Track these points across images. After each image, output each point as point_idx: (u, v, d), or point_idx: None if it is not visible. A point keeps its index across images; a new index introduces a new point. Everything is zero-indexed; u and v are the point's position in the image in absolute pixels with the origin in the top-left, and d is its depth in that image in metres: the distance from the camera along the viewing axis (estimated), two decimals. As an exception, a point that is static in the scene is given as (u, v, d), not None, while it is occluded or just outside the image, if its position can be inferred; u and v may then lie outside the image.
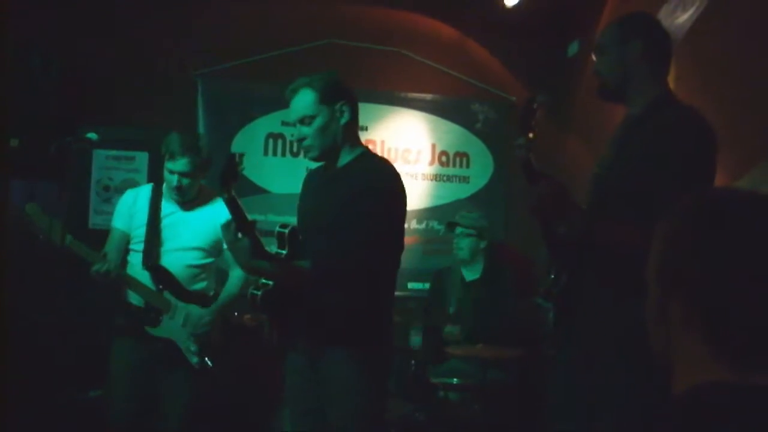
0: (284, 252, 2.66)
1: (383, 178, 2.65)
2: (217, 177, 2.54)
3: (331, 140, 2.70)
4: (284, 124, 5.28)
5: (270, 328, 2.82)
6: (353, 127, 2.75)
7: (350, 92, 2.75)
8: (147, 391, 3.46)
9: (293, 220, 2.85)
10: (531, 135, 2.31)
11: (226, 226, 2.60)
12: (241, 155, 2.56)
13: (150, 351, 3.43)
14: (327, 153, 2.73)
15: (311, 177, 2.93)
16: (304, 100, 2.68)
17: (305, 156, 2.79)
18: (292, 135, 5.31)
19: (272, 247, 2.68)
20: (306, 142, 2.71)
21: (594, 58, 2.43)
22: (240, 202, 2.57)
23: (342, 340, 2.58)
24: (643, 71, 2.34)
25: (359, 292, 2.59)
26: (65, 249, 3.21)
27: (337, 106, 2.69)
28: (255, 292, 2.62)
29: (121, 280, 3.42)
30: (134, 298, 3.48)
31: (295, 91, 2.70)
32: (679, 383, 1.08)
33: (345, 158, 2.73)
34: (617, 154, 2.36)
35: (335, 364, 2.59)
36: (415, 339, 4.50)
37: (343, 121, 2.69)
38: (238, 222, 2.57)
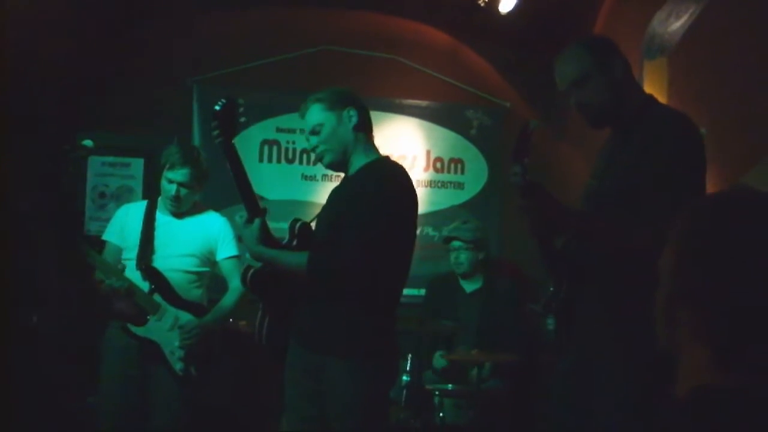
0: (293, 244, 2.78)
1: (381, 182, 2.65)
2: (211, 119, 2.75)
3: (342, 144, 2.76)
4: (279, 130, 5.30)
5: (261, 319, 2.80)
6: (365, 134, 2.81)
7: (358, 100, 2.83)
8: (135, 374, 3.41)
9: (287, 227, 2.89)
10: (526, 160, 2.34)
11: (240, 216, 2.75)
12: (240, 101, 2.71)
13: (137, 342, 3.41)
14: (339, 157, 2.78)
15: (334, 189, 2.96)
16: (312, 112, 2.79)
17: (322, 163, 2.85)
18: (288, 142, 5.39)
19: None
20: (318, 149, 2.79)
21: (570, 93, 2.42)
22: (239, 155, 2.74)
23: (345, 352, 2.57)
24: (629, 84, 2.40)
25: (356, 300, 2.58)
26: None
27: (345, 112, 2.76)
28: (248, 271, 2.75)
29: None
30: None
31: (305, 108, 2.81)
32: (682, 387, 1.10)
33: (357, 165, 2.78)
34: (607, 163, 2.39)
35: (338, 376, 2.57)
36: (440, 361, 4.31)
37: (351, 124, 2.75)
38: (238, 177, 2.71)
